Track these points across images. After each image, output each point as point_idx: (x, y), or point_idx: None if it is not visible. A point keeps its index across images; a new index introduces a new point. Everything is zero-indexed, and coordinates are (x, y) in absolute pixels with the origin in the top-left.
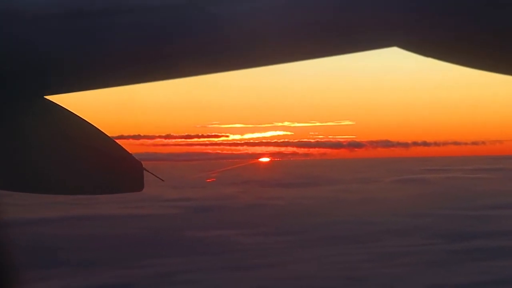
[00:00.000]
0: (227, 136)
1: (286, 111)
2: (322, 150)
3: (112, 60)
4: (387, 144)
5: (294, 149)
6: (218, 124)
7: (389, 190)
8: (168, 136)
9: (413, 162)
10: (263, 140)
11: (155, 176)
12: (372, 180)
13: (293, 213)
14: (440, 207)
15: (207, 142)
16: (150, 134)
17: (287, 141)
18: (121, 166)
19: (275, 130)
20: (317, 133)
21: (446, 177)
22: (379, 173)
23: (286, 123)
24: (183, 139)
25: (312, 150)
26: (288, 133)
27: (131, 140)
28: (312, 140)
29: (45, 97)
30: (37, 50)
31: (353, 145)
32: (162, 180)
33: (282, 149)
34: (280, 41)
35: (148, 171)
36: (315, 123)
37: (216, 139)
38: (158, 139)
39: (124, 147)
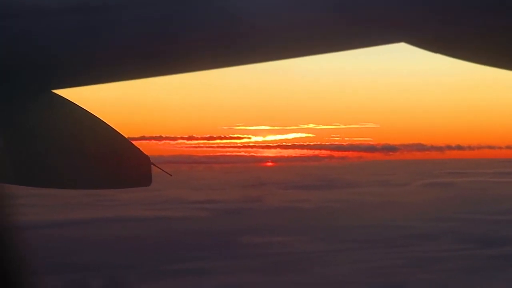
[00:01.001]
0: (250, 138)
1: (312, 113)
2: (346, 153)
3: (117, 54)
4: (420, 147)
5: (318, 151)
6: (243, 125)
7: (417, 193)
8: (190, 138)
9: (445, 165)
10: (285, 143)
11: (163, 171)
12: (400, 183)
13: (322, 216)
14: (470, 211)
15: (229, 144)
16: (172, 136)
17: (310, 144)
18: (129, 160)
19: (300, 132)
20: (338, 135)
21: (476, 180)
22: (408, 175)
23: (311, 125)
24: (205, 141)
25: (335, 153)
26: (311, 135)
27: (153, 141)
28: (336, 143)
29: (52, 91)
30: (43, 45)
31: (387, 148)
32: (170, 175)
33: (304, 151)
34: (287, 35)
35: (156, 166)
36: (339, 125)
37: (238, 141)
38: (181, 140)
39: (142, 145)
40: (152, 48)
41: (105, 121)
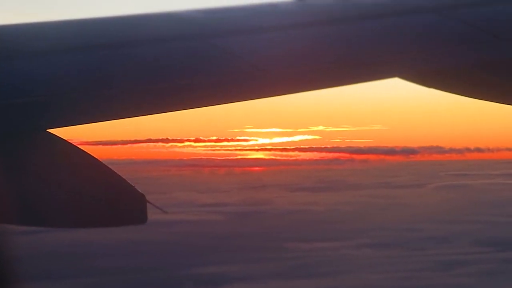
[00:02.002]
0: (257, 140)
1: (321, 115)
2: (367, 156)
3: (115, 93)
4: (439, 150)
5: (333, 154)
6: (252, 128)
7: (432, 195)
8: (197, 140)
9: (463, 166)
10: (295, 146)
11: (158, 208)
12: (415, 185)
13: (334, 219)
14: (487, 213)
15: (236, 147)
16: (178, 138)
17: (325, 147)
18: (123, 198)
19: (309, 135)
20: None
21: (495, 182)
22: (425, 177)
23: (320, 127)
24: (213, 143)
25: (343, 155)
26: (317, 137)
27: (160, 143)
28: (353, 145)
29: (47, 130)
30: (39, 85)
31: (407, 151)
32: (166, 212)
33: (315, 154)
34: (284, 73)
35: (151, 203)
36: (348, 127)
37: (246, 144)
38: (187, 143)
39: (149, 148)
40: (152, 86)
41: (99, 159)
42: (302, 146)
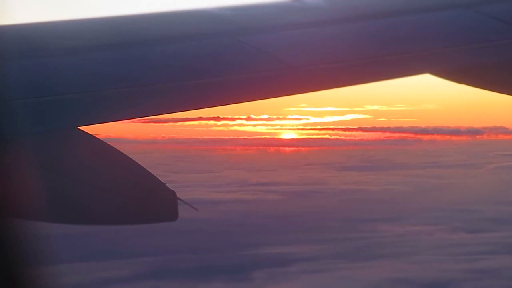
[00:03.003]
0: (308, 119)
1: (375, 94)
2: (433, 136)
3: (144, 90)
4: (503, 131)
5: (394, 134)
6: (307, 106)
7: (489, 176)
8: (249, 118)
9: None
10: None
11: (189, 205)
12: (472, 165)
13: (392, 199)
14: None
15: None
16: (229, 116)
17: (378, 127)
18: (155, 196)
19: (363, 114)
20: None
21: None
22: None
23: (375, 107)
24: (264, 121)
25: (408, 135)
26: (368, 116)
27: (211, 121)
28: (415, 125)
29: (78, 127)
30: (69, 83)
31: (473, 132)
32: (197, 210)
33: (377, 134)
34: (317, 70)
35: (182, 200)
36: (401, 107)
37: (298, 122)
38: (239, 121)
39: (200, 126)
40: (182, 83)
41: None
42: (363, 126)
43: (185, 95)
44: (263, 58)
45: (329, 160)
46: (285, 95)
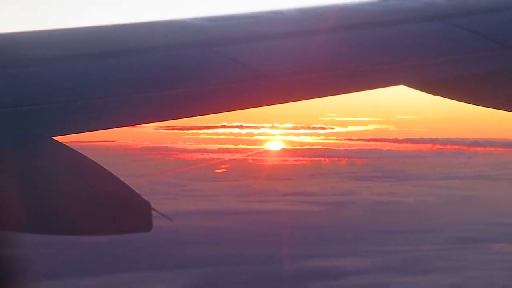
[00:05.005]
0: (333, 129)
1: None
2: (474, 148)
3: (120, 100)
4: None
5: (438, 145)
6: (336, 116)
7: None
8: (273, 127)
9: None
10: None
11: (164, 216)
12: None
13: (426, 210)
14: None
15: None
16: (253, 124)
17: (426, 138)
18: (128, 206)
19: (382, 124)
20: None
21: None
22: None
23: (404, 117)
24: (287, 130)
25: (461, 147)
26: (391, 126)
27: (236, 129)
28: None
29: (52, 137)
30: (44, 92)
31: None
32: (171, 220)
33: (427, 145)
34: (288, 80)
35: (156, 211)
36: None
37: (321, 131)
38: (264, 130)
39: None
40: (157, 93)
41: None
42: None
43: (159, 105)
44: (239, 68)
45: (349, 169)
46: (260, 105)
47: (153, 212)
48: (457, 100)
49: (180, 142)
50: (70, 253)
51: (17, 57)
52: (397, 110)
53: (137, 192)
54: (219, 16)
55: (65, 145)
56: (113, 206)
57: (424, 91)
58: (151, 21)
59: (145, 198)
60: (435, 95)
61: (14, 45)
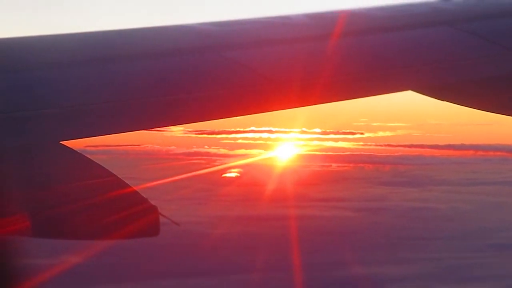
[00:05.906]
0: (362, 134)
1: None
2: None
3: (125, 105)
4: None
5: (471, 151)
6: (367, 122)
7: None
8: (302, 132)
9: None
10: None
11: (171, 220)
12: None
13: (462, 218)
14: None
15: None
16: (282, 129)
17: (453, 144)
18: (136, 211)
19: (409, 130)
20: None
21: None
22: None
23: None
24: (317, 135)
25: (502, 154)
26: (415, 132)
27: (265, 134)
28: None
29: (60, 142)
30: (52, 97)
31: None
32: (178, 225)
33: (464, 152)
34: (294, 85)
35: (163, 216)
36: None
37: (351, 136)
38: (293, 135)
39: (254, 139)
40: (163, 98)
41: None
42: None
43: (167, 110)
44: (246, 73)
45: (377, 175)
46: (268, 110)
47: (161, 217)
48: (465, 106)
49: (206, 146)
50: (76, 259)
51: (19, 61)
52: (418, 116)
53: (144, 196)
54: (227, 21)
55: (73, 149)
56: (120, 211)
57: (433, 97)
58: (160, 26)
59: (170, 203)
60: (443, 100)
61: (17, 49)
